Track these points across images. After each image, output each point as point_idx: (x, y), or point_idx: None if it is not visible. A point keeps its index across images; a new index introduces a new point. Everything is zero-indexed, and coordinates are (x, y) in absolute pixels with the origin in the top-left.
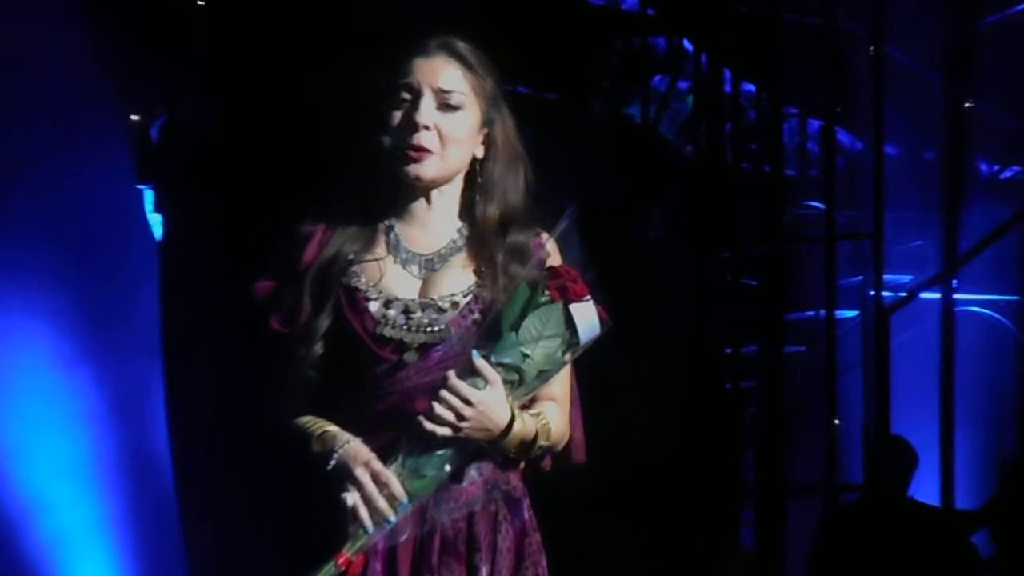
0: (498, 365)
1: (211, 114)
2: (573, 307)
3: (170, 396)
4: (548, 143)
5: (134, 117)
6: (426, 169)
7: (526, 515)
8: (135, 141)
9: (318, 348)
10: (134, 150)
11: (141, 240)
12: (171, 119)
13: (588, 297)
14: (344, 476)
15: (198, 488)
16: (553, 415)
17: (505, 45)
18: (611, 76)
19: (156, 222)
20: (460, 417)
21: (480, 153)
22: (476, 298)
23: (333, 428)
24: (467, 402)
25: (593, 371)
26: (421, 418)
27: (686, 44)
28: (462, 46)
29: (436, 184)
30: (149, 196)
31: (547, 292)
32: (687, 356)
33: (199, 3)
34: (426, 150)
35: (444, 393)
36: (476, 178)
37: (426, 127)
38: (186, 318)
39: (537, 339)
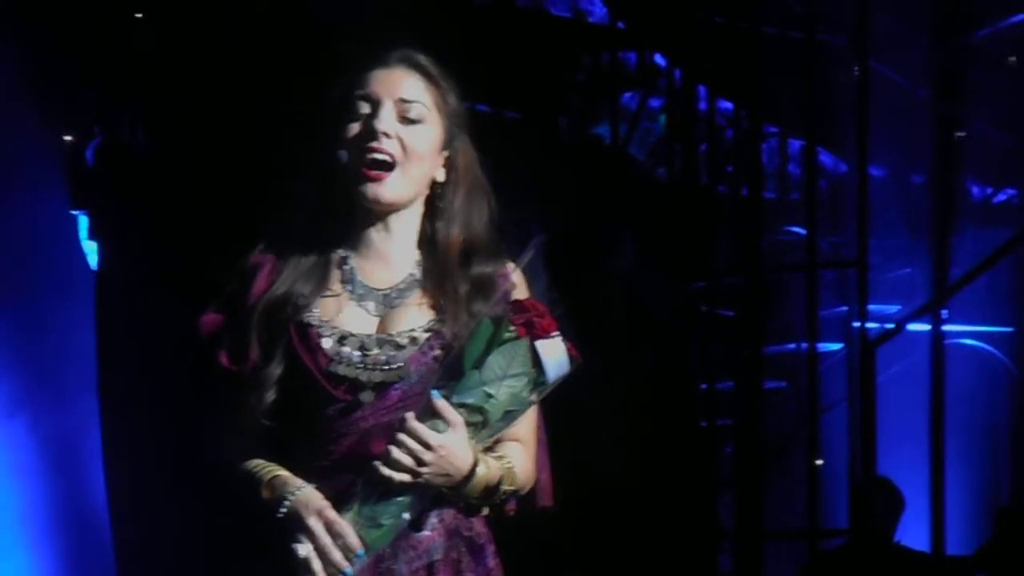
0: (460, 406)
1: (151, 134)
2: (540, 343)
3: (107, 442)
4: (510, 165)
5: (68, 138)
6: (386, 189)
7: (491, 563)
8: (69, 164)
9: (270, 395)
10: (68, 173)
11: (76, 270)
12: (108, 140)
13: (556, 333)
14: (295, 525)
15: (137, 541)
16: (518, 457)
17: (463, 59)
18: (578, 93)
19: (91, 250)
20: (419, 462)
21: (441, 177)
22: (436, 333)
23: (284, 473)
24: (427, 446)
25: (559, 409)
26: (378, 463)
27: (658, 59)
28: (424, 59)
29: (395, 207)
30: (84, 222)
31: (512, 327)
32: (660, 392)
33: (137, 16)
34: (386, 166)
35: (402, 436)
36: (437, 203)
37: (386, 134)
38: (125, 354)
39: (502, 378)
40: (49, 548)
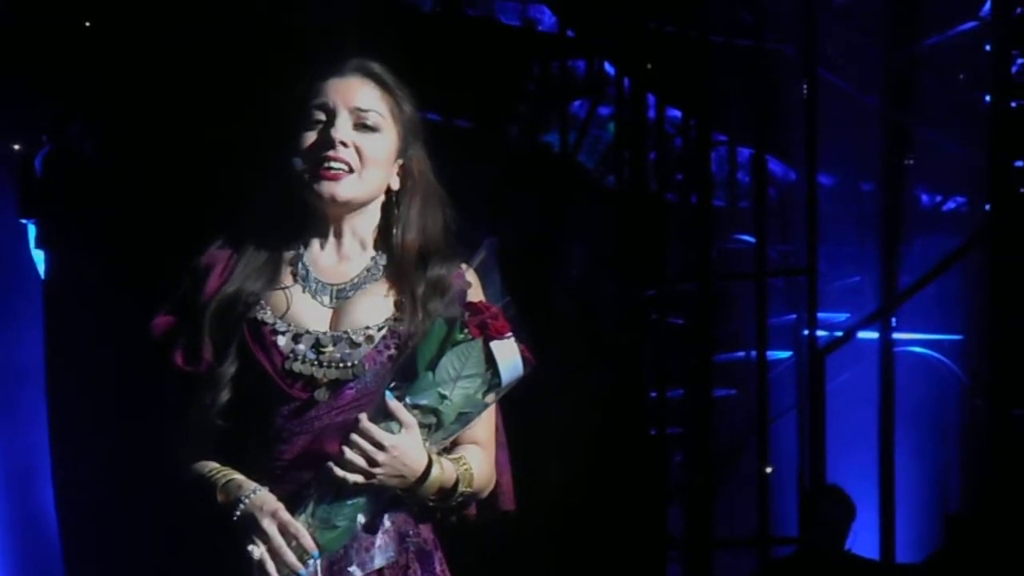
0: (414, 407)
1: (100, 142)
2: (494, 344)
3: (56, 452)
4: (460, 173)
5: (16, 147)
6: (343, 187)
7: (438, 569)
8: (17, 172)
9: (225, 394)
10: (16, 182)
11: (24, 279)
12: (57, 148)
13: (510, 334)
14: (250, 528)
15: (87, 550)
16: (476, 460)
17: (413, 68)
18: (527, 101)
19: (40, 259)
20: (372, 463)
21: (396, 185)
22: (392, 332)
23: (239, 477)
24: (380, 447)
25: (507, 416)
26: (331, 464)
27: (607, 67)
28: (379, 68)
29: (350, 208)
30: (32, 231)
31: (466, 329)
32: (609, 400)
33: (86, 24)
34: (344, 165)
35: (355, 437)
36: (392, 210)
37: (343, 143)
38: (74, 363)
39: (455, 379)
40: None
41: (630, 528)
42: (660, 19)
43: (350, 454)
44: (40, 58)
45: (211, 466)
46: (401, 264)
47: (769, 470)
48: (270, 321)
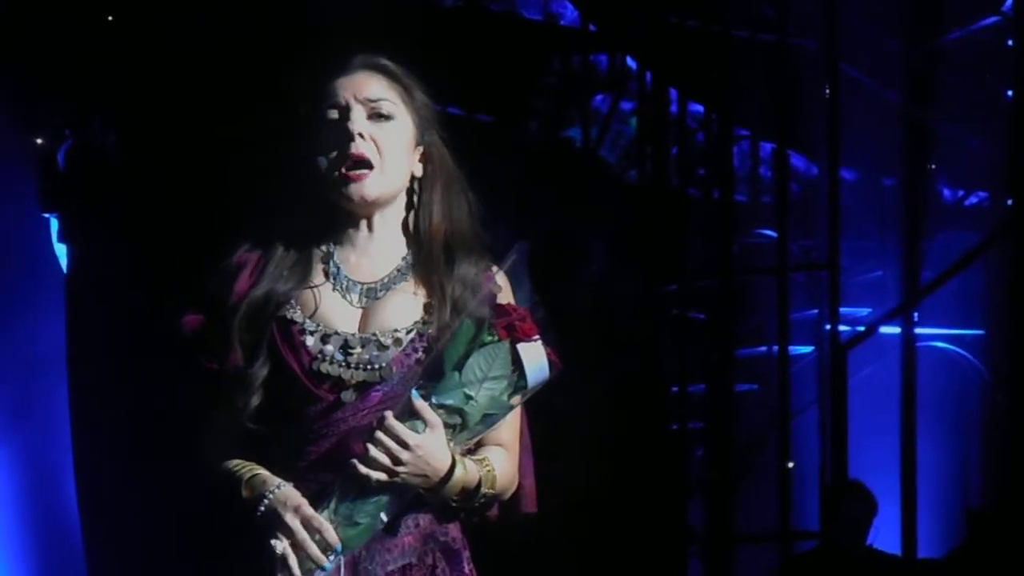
0: (439, 407)
1: (122, 137)
2: (521, 347)
3: (78, 447)
4: (481, 167)
5: (39, 141)
6: (369, 187)
7: (466, 568)
8: (40, 167)
9: (256, 398)
10: (39, 176)
11: (46, 272)
12: (79, 143)
13: (537, 337)
14: (274, 523)
15: (111, 545)
16: (499, 461)
17: (434, 63)
18: (549, 96)
19: (62, 253)
20: (396, 461)
21: (419, 171)
22: (420, 335)
23: (263, 473)
24: (404, 445)
25: (529, 412)
26: (355, 461)
27: (629, 62)
28: (383, 60)
29: (380, 204)
30: (55, 225)
31: (493, 330)
32: (631, 395)
33: (108, 19)
34: (365, 163)
35: (379, 435)
36: (417, 197)
37: (361, 135)
38: (96, 357)
39: (482, 380)
40: (22, 559)
41: (651, 523)
42: (682, 13)
43: (374, 452)
44: (62, 53)
45: (236, 462)
46: (429, 254)
47: (791, 465)
48: (299, 320)
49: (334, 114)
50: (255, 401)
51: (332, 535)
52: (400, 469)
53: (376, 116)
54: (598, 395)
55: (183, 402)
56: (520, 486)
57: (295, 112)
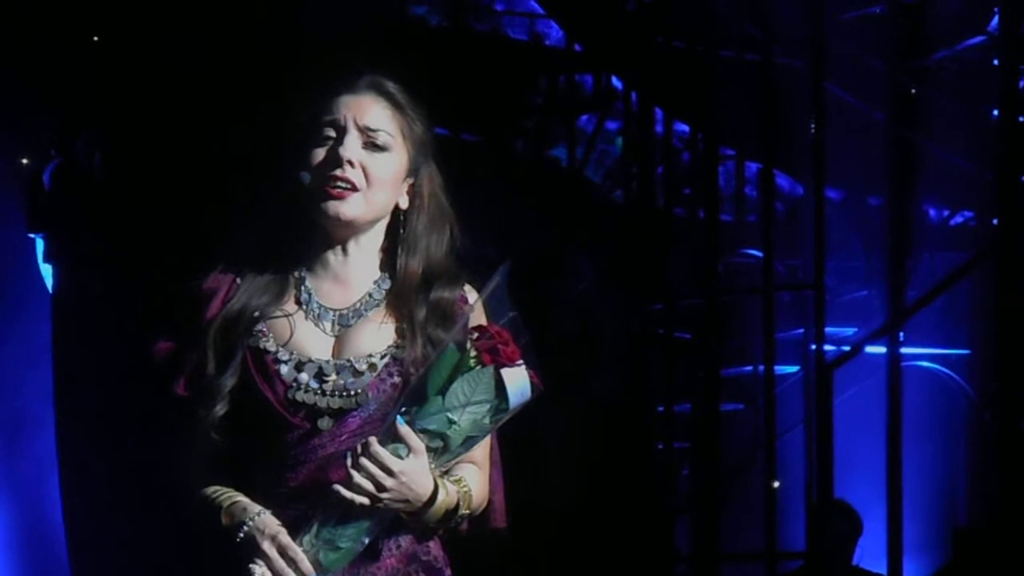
0: (422, 431)
1: (108, 156)
2: (504, 372)
3: (64, 465)
4: (466, 187)
5: (24, 161)
6: (348, 207)
7: None
8: (26, 187)
9: (220, 408)
10: (25, 196)
11: (32, 293)
12: (65, 163)
13: (520, 361)
14: (252, 551)
15: (96, 564)
16: (473, 479)
17: (421, 82)
18: (534, 116)
19: (47, 273)
20: (380, 487)
21: (404, 204)
22: (395, 359)
23: (242, 500)
24: (389, 472)
25: (515, 431)
26: (338, 487)
27: (615, 82)
28: (392, 86)
29: (356, 226)
30: (40, 245)
31: (477, 355)
32: (616, 414)
33: (94, 39)
34: (350, 185)
35: (363, 461)
36: (399, 230)
37: (350, 162)
38: (82, 376)
39: (465, 405)
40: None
41: (637, 542)
42: (668, 33)
43: (358, 478)
44: (48, 73)
45: (215, 488)
46: (403, 288)
47: (776, 484)
48: (272, 349)
49: (330, 132)
50: (220, 410)
51: (307, 565)
52: (384, 495)
53: (371, 145)
54: (584, 414)
55: (164, 424)
56: (490, 502)
57: (285, 122)
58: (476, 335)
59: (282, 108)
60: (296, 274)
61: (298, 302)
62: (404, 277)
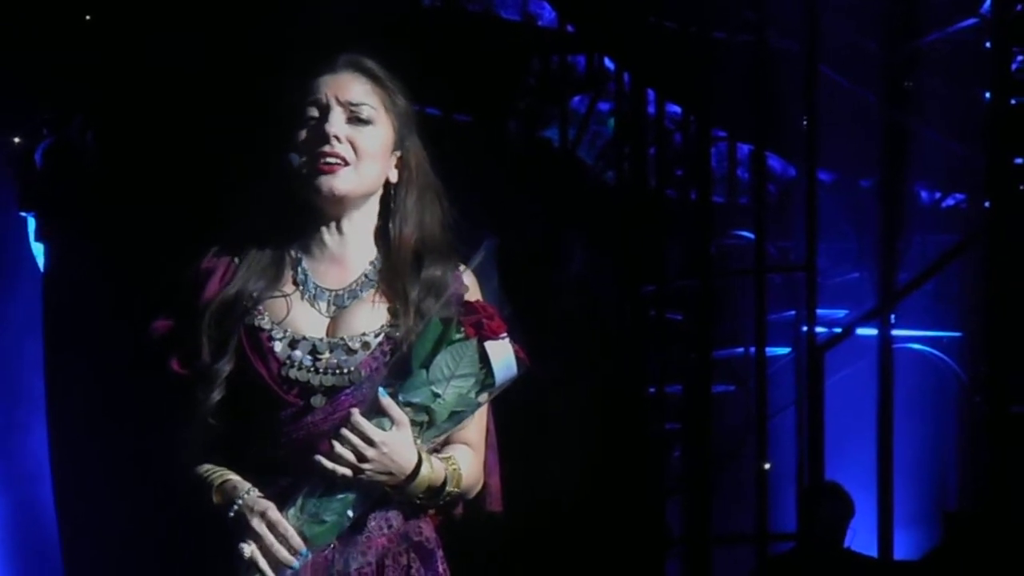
0: (406, 405)
1: (100, 136)
2: (489, 345)
3: (54, 447)
4: (458, 168)
5: (16, 139)
6: (340, 181)
7: (440, 568)
8: (18, 165)
9: (218, 393)
10: (16, 175)
11: (23, 272)
12: (57, 141)
13: (504, 335)
14: (242, 528)
15: (89, 551)
16: (465, 460)
17: (412, 62)
18: (527, 96)
19: (39, 252)
20: (361, 458)
21: (394, 177)
22: (388, 338)
23: (234, 478)
24: (370, 442)
25: (506, 413)
26: (320, 457)
27: (607, 63)
28: (370, 62)
29: (349, 202)
30: (32, 224)
31: (461, 328)
32: (608, 397)
33: (86, 18)
34: (339, 160)
35: (345, 432)
36: (390, 203)
37: (337, 137)
38: (72, 356)
39: (449, 378)
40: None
41: (629, 524)
42: (660, 14)
43: (339, 448)
44: (41, 52)
45: (207, 467)
46: (397, 261)
47: (768, 466)
48: (267, 327)
49: (314, 112)
50: (217, 396)
51: (297, 540)
52: (365, 466)
53: (355, 120)
54: (575, 396)
55: (157, 404)
56: (485, 484)
57: (277, 101)
58: (461, 310)
59: (270, 90)
60: (293, 255)
61: (295, 283)
62: (398, 249)
